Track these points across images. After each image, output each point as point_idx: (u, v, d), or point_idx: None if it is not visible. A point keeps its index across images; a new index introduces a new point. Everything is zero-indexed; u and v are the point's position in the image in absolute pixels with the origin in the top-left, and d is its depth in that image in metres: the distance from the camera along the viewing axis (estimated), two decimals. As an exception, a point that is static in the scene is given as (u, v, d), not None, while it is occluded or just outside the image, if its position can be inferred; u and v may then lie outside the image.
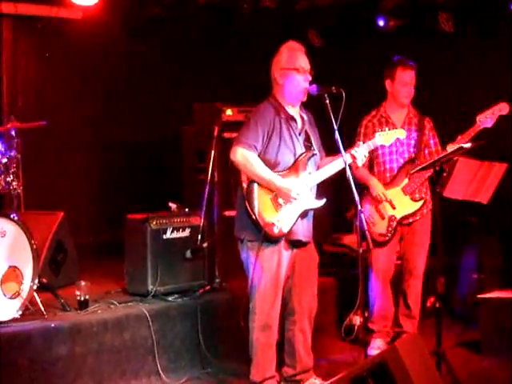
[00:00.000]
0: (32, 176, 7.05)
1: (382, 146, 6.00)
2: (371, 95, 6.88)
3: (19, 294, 5.56)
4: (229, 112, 7.17)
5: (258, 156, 5.36)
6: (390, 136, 5.61)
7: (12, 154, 5.93)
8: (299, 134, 5.54)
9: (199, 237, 6.36)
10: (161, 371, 5.89)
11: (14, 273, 5.56)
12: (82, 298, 5.91)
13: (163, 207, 6.62)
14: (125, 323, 5.80)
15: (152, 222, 6.23)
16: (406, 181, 6.39)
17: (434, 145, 6.52)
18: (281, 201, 5.38)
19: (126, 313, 5.89)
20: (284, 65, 5.47)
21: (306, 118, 5.61)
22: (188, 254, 6.35)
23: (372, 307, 6.54)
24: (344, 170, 5.28)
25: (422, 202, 6.40)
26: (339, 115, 5.23)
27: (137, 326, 5.85)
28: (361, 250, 5.14)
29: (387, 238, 6.38)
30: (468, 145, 5.77)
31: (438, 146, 6.50)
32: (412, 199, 6.40)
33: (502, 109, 6.08)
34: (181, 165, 7.84)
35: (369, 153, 5.59)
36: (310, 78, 5.45)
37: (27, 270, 5.62)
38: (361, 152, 5.45)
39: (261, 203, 5.34)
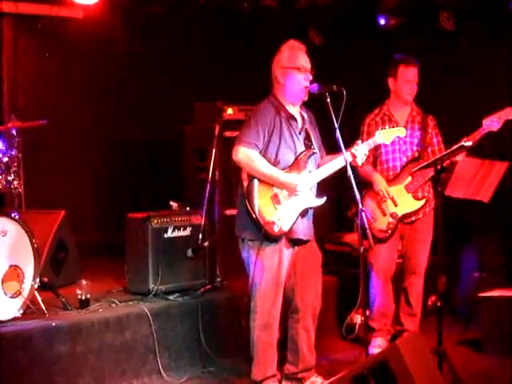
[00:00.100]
0: (33, 175, 7.06)
1: (385, 145, 6.01)
2: (372, 94, 6.89)
3: (20, 293, 5.56)
4: (229, 111, 7.19)
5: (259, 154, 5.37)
6: (390, 134, 5.61)
7: (13, 153, 5.93)
8: (299, 133, 5.54)
9: (200, 236, 6.35)
10: (162, 370, 5.89)
11: (15, 272, 5.56)
12: (83, 297, 5.91)
13: (164, 206, 6.63)
14: (126, 322, 5.80)
15: (153, 221, 6.24)
16: (410, 179, 6.39)
17: (437, 143, 6.52)
18: (282, 199, 5.38)
19: (127, 312, 5.90)
20: (285, 64, 5.47)
21: (306, 116, 5.61)
22: (189, 252, 6.36)
23: (372, 304, 6.54)
24: (345, 168, 5.29)
25: (424, 200, 6.40)
26: (340, 114, 5.23)
27: (138, 324, 5.86)
28: (362, 249, 5.14)
29: (387, 235, 6.39)
30: (469, 143, 5.77)
31: (441, 145, 6.50)
32: (414, 198, 6.40)
33: (508, 114, 6.05)
34: (182, 164, 7.85)
35: (372, 150, 5.59)
36: (311, 78, 5.46)
37: (28, 269, 5.63)
38: (361, 151, 5.45)
39: (261, 202, 5.34)
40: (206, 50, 9.17)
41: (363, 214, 5.12)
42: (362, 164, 5.57)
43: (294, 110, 5.54)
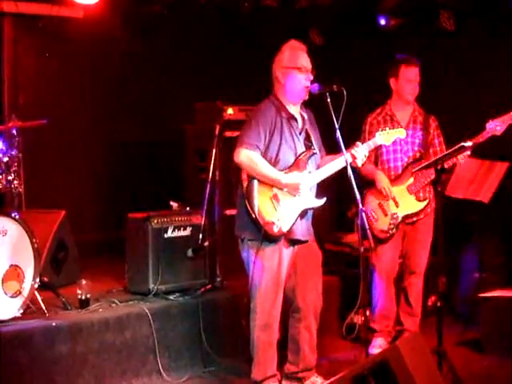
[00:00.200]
0: (33, 175, 7.07)
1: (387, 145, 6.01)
2: (373, 94, 6.89)
3: (20, 293, 5.56)
4: (230, 111, 7.18)
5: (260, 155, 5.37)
6: (391, 135, 5.61)
7: (13, 152, 5.92)
8: (300, 133, 5.54)
9: (200, 236, 6.35)
10: (162, 370, 5.89)
11: (15, 271, 5.56)
12: (83, 297, 5.91)
13: (164, 206, 6.63)
14: (126, 322, 5.80)
15: (153, 221, 6.24)
16: (412, 180, 6.39)
17: (439, 144, 6.52)
18: (282, 200, 5.38)
19: (127, 312, 5.90)
20: (286, 63, 5.48)
21: (306, 116, 5.61)
22: (189, 252, 6.36)
23: (374, 307, 6.55)
24: (345, 168, 5.29)
25: (426, 202, 6.40)
26: (340, 114, 5.23)
27: (138, 324, 5.86)
28: (362, 249, 5.14)
29: (388, 235, 6.39)
30: (469, 143, 5.76)
31: (443, 146, 6.49)
32: (416, 199, 6.40)
33: None
34: (182, 164, 7.85)
35: (373, 150, 5.59)
36: (312, 78, 5.46)
37: (28, 269, 5.63)
38: (361, 152, 5.45)
39: (261, 202, 5.34)
40: (207, 49, 9.16)
41: (363, 213, 5.13)
42: (364, 163, 5.57)
43: (295, 110, 5.54)
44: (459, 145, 5.71)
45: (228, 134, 7.02)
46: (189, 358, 6.11)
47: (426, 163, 5.94)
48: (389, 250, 6.45)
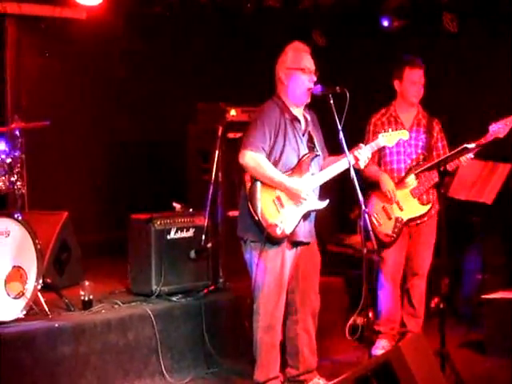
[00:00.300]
0: (36, 176, 7.07)
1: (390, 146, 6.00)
2: (375, 95, 6.89)
3: (23, 294, 5.56)
4: (233, 112, 7.17)
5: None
6: (393, 137, 5.60)
7: (16, 153, 5.92)
8: (303, 135, 5.54)
9: (203, 237, 6.36)
10: (164, 371, 5.89)
11: (18, 273, 5.56)
12: (86, 298, 5.92)
13: (167, 207, 6.63)
14: (129, 323, 5.80)
15: (156, 222, 6.24)
16: (415, 183, 6.37)
17: (442, 147, 6.50)
18: (285, 202, 5.38)
19: (130, 313, 5.90)
20: (289, 64, 5.47)
21: (309, 118, 5.61)
22: (192, 254, 6.35)
23: (380, 310, 6.55)
24: (347, 170, 5.28)
25: (430, 205, 6.38)
26: (343, 115, 5.23)
27: (141, 326, 5.86)
28: (365, 251, 5.13)
29: (392, 239, 6.37)
30: (472, 145, 5.74)
31: (446, 149, 6.47)
32: (420, 202, 6.39)
33: None
34: (185, 165, 7.84)
35: (376, 151, 5.59)
36: (315, 79, 5.45)
37: (31, 270, 5.63)
38: (364, 154, 5.45)
39: (264, 204, 5.34)
40: (209, 50, 9.17)
41: (366, 215, 5.12)
42: (368, 164, 5.57)
43: (298, 111, 5.54)
44: (462, 146, 5.70)
45: (231, 135, 7.00)
46: (191, 359, 6.11)
47: (429, 165, 5.93)
48: (394, 252, 6.44)
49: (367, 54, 8.67)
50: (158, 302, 6.15)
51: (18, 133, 5.98)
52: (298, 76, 5.44)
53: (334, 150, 5.57)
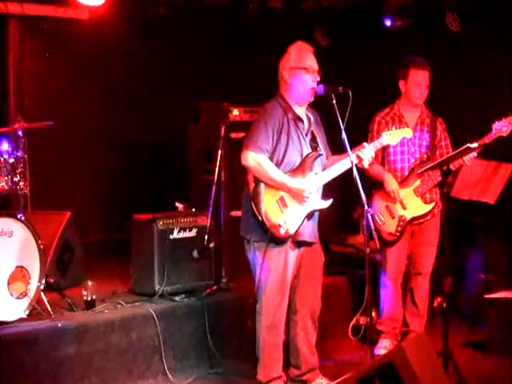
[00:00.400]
0: (39, 176, 7.05)
1: (394, 145, 5.99)
2: (378, 95, 6.88)
3: (26, 294, 5.57)
4: (235, 112, 7.17)
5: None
6: (397, 135, 5.59)
7: (19, 154, 5.93)
8: (306, 135, 5.54)
9: (206, 237, 6.35)
10: (167, 371, 5.89)
11: (21, 273, 5.57)
12: (89, 298, 5.92)
13: (170, 207, 6.63)
14: (131, 323, 5.81)
15: (159, 222, 6.23)
16: (419, 182, 6.37)
17: (446, 147, 6.50)
18: (288, 202, 5.38)
19: (133, 313, 5.90)
20: (293, 64, 5.47)
21: (312, 118, 5.60)
22: (195, 254, 6.35)
23: (382, 309, 6.55)
24: (350, 169, 5.28)
25: (433, 204, 6.38)
26: (346, 115, 5.23)
27: (144, 325, 5.86)
28: (368, 250, 5.12)
29: (395, 238, 6.37)
30: (475, 145, 5.74)
31: (449, 149, 6.46)
32: (423, 201, 6.38)
33: None
34: (187, 165, 7.84)
35: (380, 150, 5.58)
36: (318, 79, 5.45)
37: (34, 270, 5.64)
38: (367, 153, 5.44)
39: (267, 204, 5.33)
40: (211, 50, 9.17)
41: (369, 214, 5.11)
42: (372, 163, 5.57)
43: (301, 111, 5.54)
44: (465, 146, 5.69)
45: (233, 135, 7.00)
46: (194, 359, 6.11)
47: (432, 164, 5.93)
48: (396, 251, 6.43)
49: (369, 53, 8.67)
50: (160, 301, 6.15)
51: (20, 133, 5.99)
52: (302, 75, 5.44)
53: (337, 149, 5.56)
